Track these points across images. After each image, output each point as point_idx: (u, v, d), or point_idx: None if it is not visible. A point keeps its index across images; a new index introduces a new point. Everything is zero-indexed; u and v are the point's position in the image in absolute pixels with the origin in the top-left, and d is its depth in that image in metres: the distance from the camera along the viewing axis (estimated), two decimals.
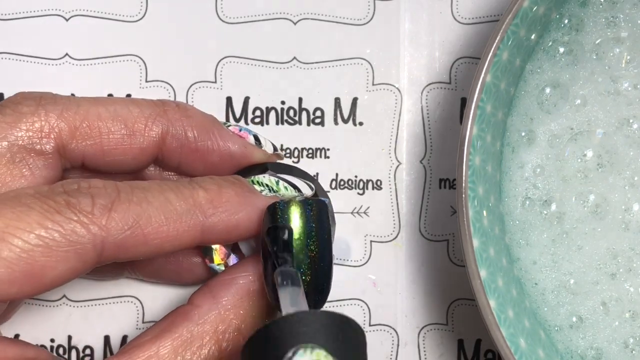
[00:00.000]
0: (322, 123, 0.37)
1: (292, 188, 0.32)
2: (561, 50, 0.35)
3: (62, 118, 0.30)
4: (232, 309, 0.30)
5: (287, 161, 0.36)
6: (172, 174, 0.34)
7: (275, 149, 0.35)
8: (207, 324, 0.29)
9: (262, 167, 0.34)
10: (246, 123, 0.37)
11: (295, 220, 0.29)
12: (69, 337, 0.37)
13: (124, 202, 0.28)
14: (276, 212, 0.30)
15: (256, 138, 0.34)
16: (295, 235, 0.29)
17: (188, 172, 0.33)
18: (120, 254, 0.28)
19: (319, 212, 0.30)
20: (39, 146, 0.30)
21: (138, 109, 0.31)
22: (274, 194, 0.32)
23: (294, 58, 0.37)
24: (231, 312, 0.30)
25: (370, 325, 0.37)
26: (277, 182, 0.31)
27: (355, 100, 0.37)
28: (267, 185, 0.31)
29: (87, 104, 0.31)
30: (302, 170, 0.35)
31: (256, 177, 0.32)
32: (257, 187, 0.31)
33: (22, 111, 0.30)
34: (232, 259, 0.33)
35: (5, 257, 0.26)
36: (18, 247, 0.26)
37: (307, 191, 0.32)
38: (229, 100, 0.37)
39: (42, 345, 0.37)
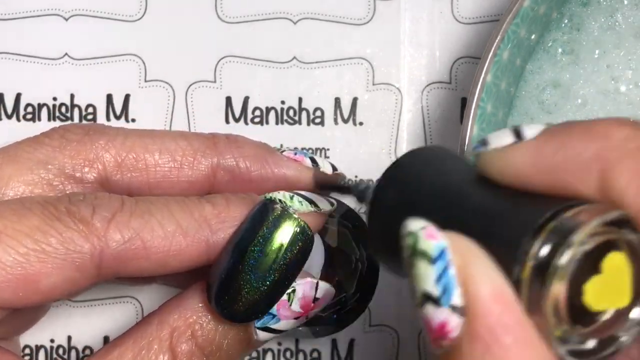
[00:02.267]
0: (322, 123, 0.37)
1: (307, 203, 0.30)
2: (561, 50, 0.35)
3: (108, 148, 0.30)
4: (192, 315, 0.29)
5: None
6: None
7: (334, 168, 0.33)
8: (165, 329, 0.28)
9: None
10: (245, 123, 0.37)
11: (283, 234, 0.28)
12: (69, 338, 0.37)
13: (126, 214, 0.27)
14: (268, 212, 0.28)
15: (313, 160, 0.32)
16: (273, 248, 0.28)
17: None
18: (120, 268, 0.27)
19: (302, 247, 0.28)
20: (79, 174, 0.29)
21: (186, 142, 0.31)
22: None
23: (294, 58, 0.37)
24: (190, 317, 0.29)
25: (370, 325, 0.37)
26: (292, 197, 0.30)
27: (355, 100, 0.37)
28: (280, 201, 0.29)
29: (135, 136, 0.30)
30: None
31: (270, 193, 0.30)
32: None
33: (68, 138, 0.30)
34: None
35: (1, 259, 0.26)
36: (13, 249, 0.26)
37: (325, 207, 0.30)
38: (228, 100, 0.37)
39: (42, 346, 0.37)
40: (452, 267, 0.20)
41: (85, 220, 0.27)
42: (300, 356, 0.37)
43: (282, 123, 0.37)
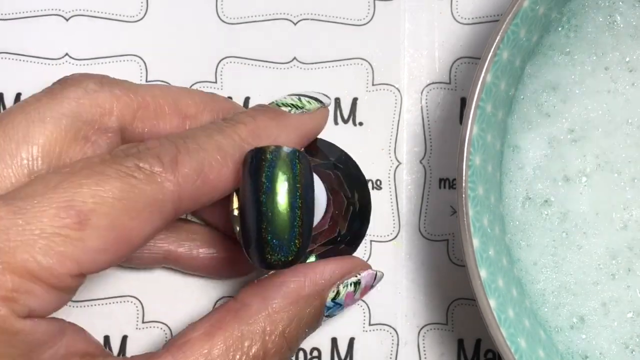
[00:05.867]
0: None
1: (314, 101, 0.33)
2: (561, 50, 0.35)
3: (126, 97, 0.30)
4: (280, 312, 0.30)
5: None
6: None
7: None
8: (256, 325, 0.30)
9: None
10: None
11: (282, 177, 0.29)
12: None
13: (184, 155, 0.28)
14: (263, 163, 0.29)
15: None
16: (280, 195, 0.29)
17: None
18: (192, 205, 0.29)
19: (303, 169, 0.30)
20: (103, 125, 0.30)
21: (189, 94, 0.32)
22: (301, 110, 0.32)
23: (294, 58, 0.37)
24: (279, 315, 0.30)
25: (370, 325, 0.37)
26: (300, 99, 0.32)
27: (355, 100, 0.37)
28: (292, 105, 0.32)
29: (144, 88, 0.31)
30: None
31: (278, 100, 0.33)
32: (284, 108, 0.32)
33: (87, 88, 0.30)
34: None
35: (98, 225, 0.26)
36: (107, 214, 0.26)
37: (326, 101, 0.33)
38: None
39: None
40: None
41: (157, 170, 0.28)
42: (301, 354, 0.37)
43: None
